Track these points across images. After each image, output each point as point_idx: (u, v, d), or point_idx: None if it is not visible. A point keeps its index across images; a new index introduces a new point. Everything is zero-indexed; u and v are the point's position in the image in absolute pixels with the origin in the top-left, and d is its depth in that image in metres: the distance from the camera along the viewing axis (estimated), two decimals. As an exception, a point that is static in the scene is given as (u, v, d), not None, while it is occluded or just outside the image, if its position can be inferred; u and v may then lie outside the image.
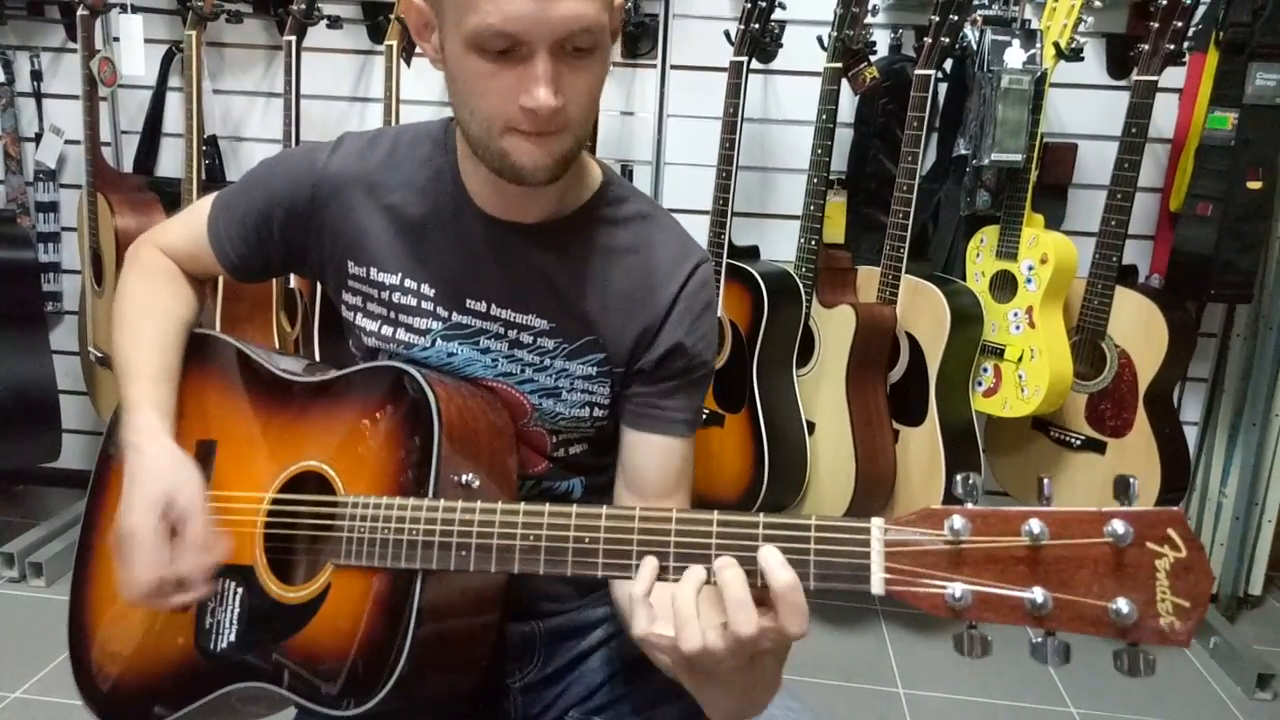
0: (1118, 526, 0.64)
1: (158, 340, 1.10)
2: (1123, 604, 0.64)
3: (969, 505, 0.69)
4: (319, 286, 2.36)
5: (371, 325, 1.08)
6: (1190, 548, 0.63)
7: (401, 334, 1.07)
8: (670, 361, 1.06)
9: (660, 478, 1.09)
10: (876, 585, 0.72)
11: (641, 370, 1.07)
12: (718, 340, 1.13)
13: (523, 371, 1.06)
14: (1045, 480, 0.67)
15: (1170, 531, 0.64)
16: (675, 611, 0.77)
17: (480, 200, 1.03)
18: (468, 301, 1.05)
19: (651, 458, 1.09)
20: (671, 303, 1.05)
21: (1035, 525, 0.66)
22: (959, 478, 0.71)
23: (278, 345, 2.48)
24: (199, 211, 1.15)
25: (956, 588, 0.69)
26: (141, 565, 0.95)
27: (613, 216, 1.07)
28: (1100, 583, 0.65)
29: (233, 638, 0.99)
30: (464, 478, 0.95)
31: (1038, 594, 0.66)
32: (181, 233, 1.17)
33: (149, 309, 1.12)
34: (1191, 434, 2.54)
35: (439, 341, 1.06)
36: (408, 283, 1.05)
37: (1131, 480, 0.64)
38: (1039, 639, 0.69)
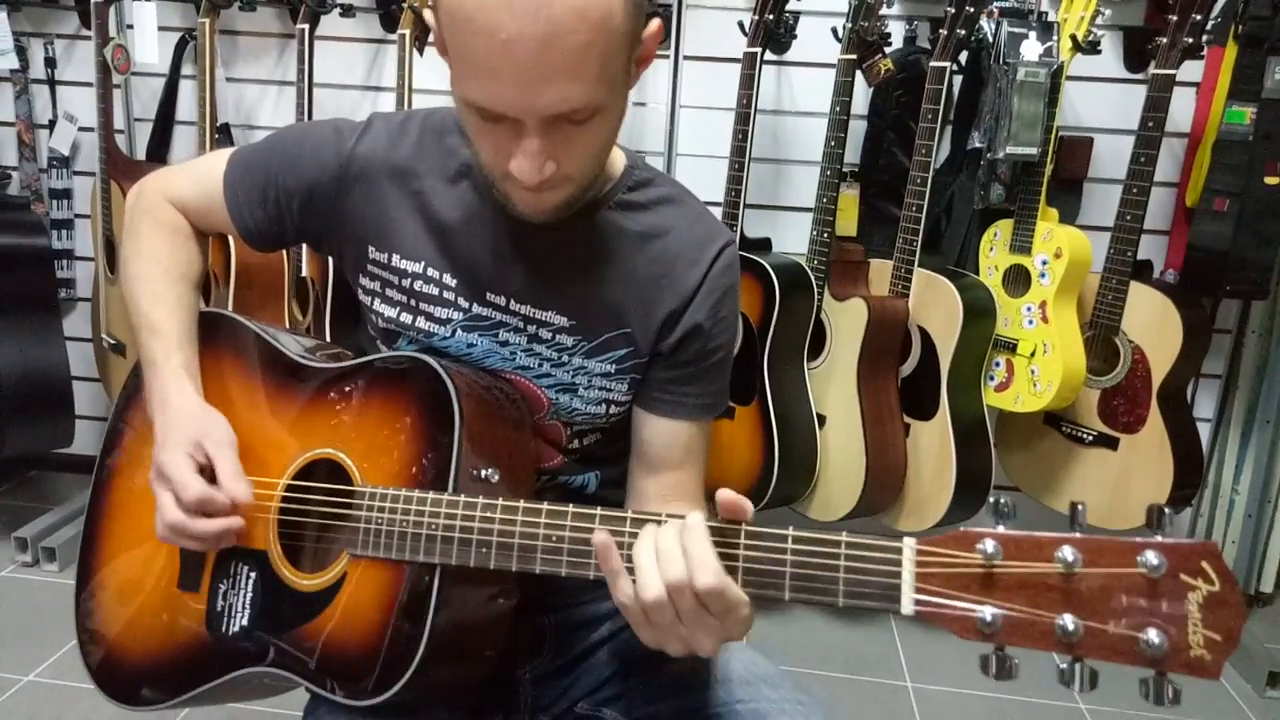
0: (1151, 557, 0.64)
1: (177, 303, 1.10)
2: (1153, 635, 0.64)
3: (1001, 529, 0.69)
4: (330, 275, 2.36)
5: (390, 311, 1.07)
6: (1224, 582, 0.63)
7: (421, 322, 1.06)
8: (688, 344, 1.06)
9: (666, 453, 1.09)
10: (907, 606, 0.72)
11: (660, 353, 1.06)
12: (738, 323, 1.13)
13: (540, 366, 1.06)
14: (1080, 506, 0.67)
15: (1204, 564, 0.63)
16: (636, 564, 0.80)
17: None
18: (488, 294, 1.04)
19: (662, 435, 1.09)
20: (697, 286, 1.05)
21: (1069, 552, 0.66)
22: (992, 500, 0.70)
23: (289, 334, 2.47)
24: (211, 168, 1.13)
25: (987, 611, 0.68)
26: (176, 492, 0.96)
27: (636, 201, 1.06)
28: (1132, 612, 0.65)
29: (244, 621, 0.99)
30: (484, 472, 0.95)
31: (1069, 621, 0.66)
32: (192, 188, 1.15)
33: (169, 269, 1.12)
34: (1205, 430, 2.52)
35: (459, 332, 1.05)
36: (430, 272, 1.05)
37: (1166, 510, 0.64)
38: (1066, 664, 0.68)
